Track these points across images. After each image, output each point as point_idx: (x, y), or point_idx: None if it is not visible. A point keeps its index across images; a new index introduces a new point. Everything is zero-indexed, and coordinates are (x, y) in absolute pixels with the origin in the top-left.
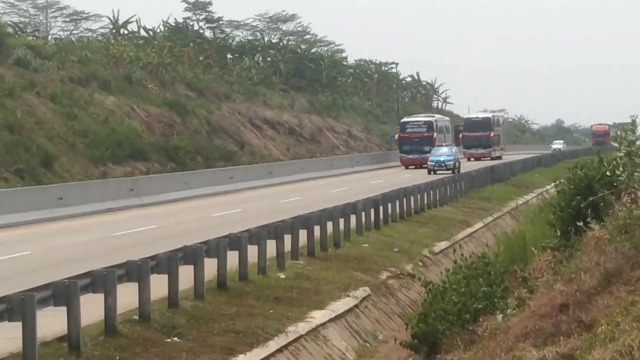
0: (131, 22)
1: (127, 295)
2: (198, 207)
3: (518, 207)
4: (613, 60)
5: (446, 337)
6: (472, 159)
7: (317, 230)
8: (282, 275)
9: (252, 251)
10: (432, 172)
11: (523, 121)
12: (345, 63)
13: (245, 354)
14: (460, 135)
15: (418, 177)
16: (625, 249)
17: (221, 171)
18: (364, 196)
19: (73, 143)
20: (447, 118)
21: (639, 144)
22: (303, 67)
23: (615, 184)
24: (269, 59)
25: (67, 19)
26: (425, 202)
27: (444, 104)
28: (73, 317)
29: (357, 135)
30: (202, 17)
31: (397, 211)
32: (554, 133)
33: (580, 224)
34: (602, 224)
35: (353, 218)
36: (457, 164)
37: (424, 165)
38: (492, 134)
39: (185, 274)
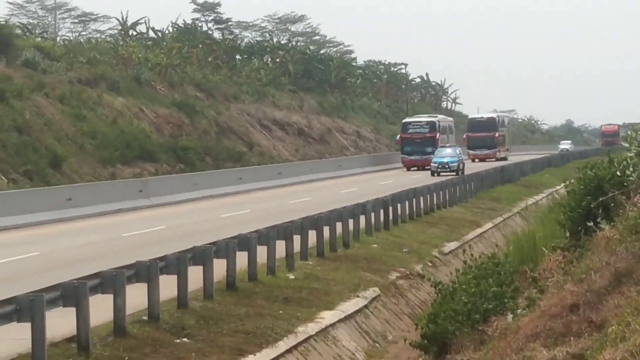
0: (140, 24)
1: (136, 296)
2: (207, 208)
3: (528, 208)
4: (622, 61)
5: (456, 338)
6: (477, 160)
7: (326, 230)
8: (292, 276)
9: (262, 252)
10: (435, 174)
11: (533, 122)
12: (354, 64)
13: (254, 355)
14: (465, 136)
15: (428, 176)
16: (636, 248)
17: (230, 172)
18: (373, 197)
19: (82, 144)
20: (450, 118)
21: None
22: (312, 67)
23: (625, 184)
24: (277, 60)
25: (76, 21)
26: (435, 202)
27: (453, 105)
28: (82, 317)
29: (366, 136)
30: (210, 18)
31: (407, 212)
32: (563, 133)
33: (591, 224)
34: (612, 224)
35: (362, 218)
36: (461, 165)
37: (426, 167)
38: (497, 135)
39: (195, 275)
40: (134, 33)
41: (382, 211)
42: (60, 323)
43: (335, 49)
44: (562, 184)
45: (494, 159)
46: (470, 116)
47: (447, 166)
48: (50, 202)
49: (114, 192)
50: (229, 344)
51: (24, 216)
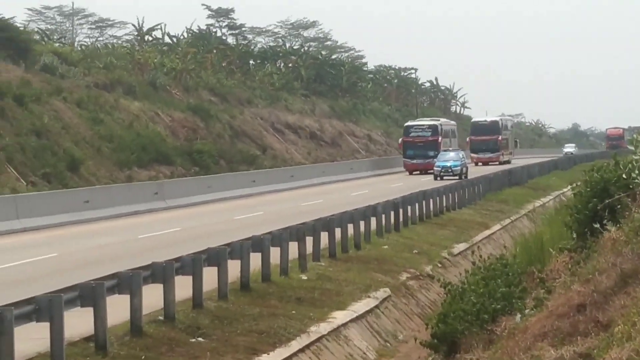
0: (156, 29)
1: (152, 296)
2: (221, 210)
3: (535, 210)
4: (628, 65)
5: (465, 337)
6: (480, 164)
7: (338, 232)
8: (304, 277)
9: (275, 253)
10: (438, 178)
11: (540, 125)
12: (365, 69)
13: (268, 354)
14: (468, 139)
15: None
16: None
17: (244, 175)
18: (384, 199)
19: (99, 147)
20: (452, 122)
21: None
22: (324, 72)
23: (631, 186)
24: (290, 65)
25: (93, 26)
26: (444, 204)
27: (462, 109)
28: (99, 317)
29: (377, 139)
30: (224, 24)
31: (417, 213)
32: (570, 137)
33: (597, 225)
34: (618, 225)
35: (373, 220)
36: (464, 169)
37: (429, 171)
38: (500, 138)
39: (209, 276)
40: (150, 38)
41: (392, 213)
42: (78, 323)
43: (346, 54)
44: (569, 187)
45: (497, 162)
46: (473, 119)
47: (450, 170)
48: (68, 205)
49: (130, 195)
50: (243, 344)
51: (43, 218)
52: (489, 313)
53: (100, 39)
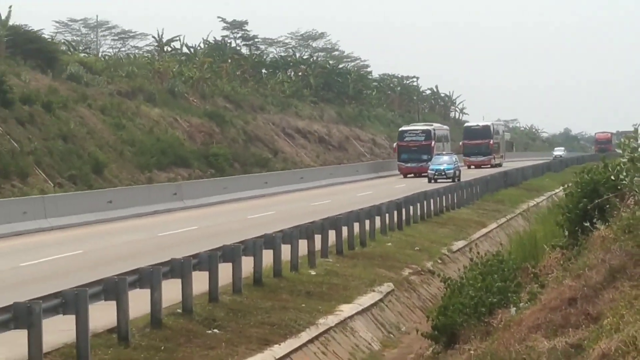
0: (175, 40)
1: (171, 291)
2: (235, 210)
3: (529, 209)
4: (616, 74)
5: (464, 329)
6: (473, 167)
7: (345, 230)
8: (313, 272)
9: (286, 250)
10: (432, 181)
11: (534, 130)
12: (370, 77)
13: (279, 345)
14: (461, 143)
15: (438, 181)
16: (629, 247)
17: (256, 176)
18: (388, 199)
19: (121, 151)
20: (445, 127)
21: None
22: (331, 80)
23: (619, 187)
24: (300, 74)
25: (116, 38)
26: (444, 204)
27: (460, 115)
28: (122, 310)
29: (381, 143)
30: (239, 35)
31: (418, 213)
32: (561, 141)
33: (587, 224)
34: (607, 224)
35: (378, 219)
36: (457, 172)
37: (423, 174)
38: (491, 142)
39: (225, 271)
40: (169, 49)
41: (395, 212)
42: (102, 315)
43: (352, 64)
44: (561, 188)
45: (489, 166)
46: (465, 124)
47: (443, 173)
48: (92, 205)
49: (151, 195)
50: (256, 335)
51: (69, 217)
52: (486, 306)
53: (123, 49)
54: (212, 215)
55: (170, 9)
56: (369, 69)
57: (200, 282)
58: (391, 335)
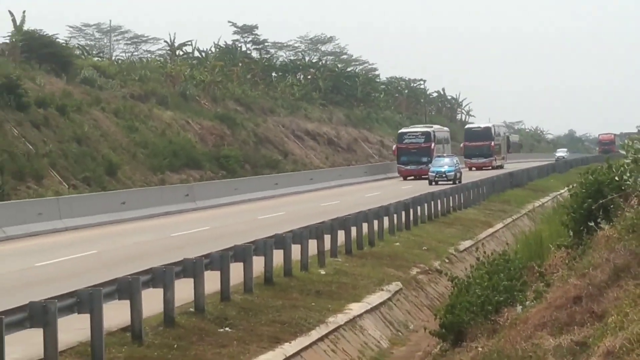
0: (186, 45)
1: (183, 290)
2: (246, 210)
3: (535, 209)
4: (619, 76)
5: (471, 327)
6: (474, 169)
7: (353, 230)
8: (323, 272)
9: (296, 250)
10: (433, 183)
11: (539, 131)
12: (378, 80)
13: (290, 343)
14: (462, 145)
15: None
16: (633, 246)
17: (267, 178)
18: (396, 200)
19: (134, 153)
20: (446, 128)
21: None
22: (340, 84)
23: (623, 187)
24: (309, 77)
25: (129, 42)
26: (451, 204)
27: (467, 117)
28: (136, 309)
29: (389, 145)
30: (249, 39)
31: (426, 213)
32: (566, 142)
33: (592, 224)
34: (611, 224)
35: (386, 219)
36: (458, 174)
37: (423, 176)
38: (492, 144)
39: (236, 271)
40: (181, 53)
41: (403, 213)
42: (116, 314)
43: (361, 67)
44: (566, 188)
45: (490, 167)
46: (466, 126)
47: (444, 175)
48: (106, 206)
49: (163, 197)
50: (267, 333)
51: (83, 218)
52: (492, 305)
53: (135, 53)
54: (223, 216)
55: (182, 14)
56: (376, 72)
57: (212, 281)
58: (399, 333)
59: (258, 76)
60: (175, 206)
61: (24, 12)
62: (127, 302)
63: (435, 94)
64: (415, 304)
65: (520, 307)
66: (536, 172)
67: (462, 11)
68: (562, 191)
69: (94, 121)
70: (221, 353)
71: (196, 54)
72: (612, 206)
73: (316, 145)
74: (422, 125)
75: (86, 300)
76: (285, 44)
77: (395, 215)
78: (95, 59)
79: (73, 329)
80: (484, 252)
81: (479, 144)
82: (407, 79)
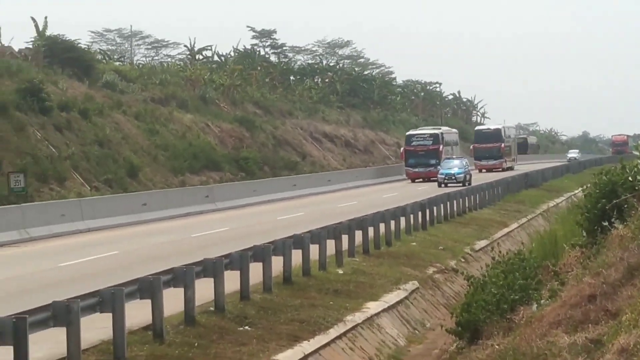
0: (206, 49)
1: (204, 290)
2: (265, 211)
3: (549, 209)
4: (633, 78)
5: (487, 325)
6: (484, 170)
7: (371, 230)
8: (341, 271)
9: (314, 250)
10: (442, 185)
11: (553, 133)
12: (394, 83)
13: (308, 341)
14: (471, 147)
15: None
16: None
17: (285, 179)
18: (412, 200)
19: (155, 155)
20: (454, 130)
21: None
22: (357, 87)
23: (636, 187)
24: (327, 80)
25: (149, 47)
26: (467, 205)
27: (482, 119)
28: (157, 308)
29: None
30: (267, 43)
31: (442, 213)
32: (580, 143)
33: (606, 223)
34: (625, 223)
35: (403, 220)
36: (467, 176)
37: (432, 178)
38: (502, 145)
39: (255, 270)
40: (200, 57)
41: (420, 213)
42: (137, 313)
43: (377, 70)
44: (580, 188)
45: (500, 169)
46: (476, 127)
47: (454, 177)
48: (127, 207)
49: (184, 198)
50: (286, 331)
51: (105, 219)
52: (508, 303)
53: (156, 58)
54: (242, 216)
55: (202, 19)
56: (393, 76)
57: (232, 281)
58: (416, 332)
59: (276, 80)
60: (195, 207)
61: (45, 17)
62: (149, 301)
63: (451, 97)
64: (432, 302)
65: (536, 305)
66: (550, 172)
67: (478, 16)
68: (576, 191)
69: (116, 124)
70: (241, 351)
71: (216, 58)
72: (625, 206)
73: (334, 147)
74: (430, 127)
75: (108, 300)
76: (303, 48)
77: (411, 216)
78: (117, 63)
79: (95, 328)
80: (500, 252)
81: (489, 146)
82: (423, 82)
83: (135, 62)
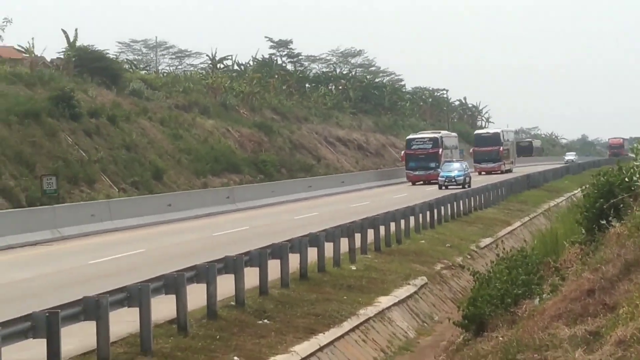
0: (227, 59)
1: (225, 285)
2: (282, 211)
3: (550, 209)
4: (627, 83)
5: (491, 318)
6: (483, 173)
7: (382, 229)
8: (354, 267)
9: (329, 247)
10: (443, 187)
11: (554, 136)
12: (404, 90)
13: (323, 333)
14: (471, 150)
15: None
16: None
17: (301, 181)
18: (421, 200)
19: (179, 159)
20: (454, 134)
21: None
22: (369, 94)
23: (633, 188)
24: (340, 88)
25: (173, 56)
26: (472, 205)
27: (486, 123)
28: (181, 303)
29: None
30: (284, 53)
31: (449, 213)
32: (579, 146)
33: (604, 222)
34: (622, 222)
35: (412, 219)
36: (467, 179)
37: (432, 181)
38: (501, 149)
39: (273, 267)
40: (221, 66)
41: (428, 212)
42: (162, 308)
43: (388, 78)
44: (579, 189)
45: (499, 172)
46: (476, 132)
47: (454, 180)
48: (153, 208)
49: (206, 199)
50: (303, 324)
51: (132, 219)
52: (511, 297)
53: (179, 67)
54: (261, 216)
55: (223, 31)
56: (402, 83)
57: (251, 277)
58: (425, 324)
59: (293, 87)
60: (217, 207)
61: (76, 29)
62: (173, 296)
63: (457, 102)
64: (440, 297)
65: (538, 299)
66: (551, 174)
67: (483, 28)
68: (576, 192)
69: (142, 130)
70: (260, 343)
71: (236, 67)
72: (622, 205)
73: (347, 151)
74: (430, 131)
75: (135, 295)
76: (317, 57)
77: (420, 215)
78: (143, 72)
79: (123, 322)
80: (504, 249)
81: (488, 149)
82: (430, 88)
83: (160, 71)
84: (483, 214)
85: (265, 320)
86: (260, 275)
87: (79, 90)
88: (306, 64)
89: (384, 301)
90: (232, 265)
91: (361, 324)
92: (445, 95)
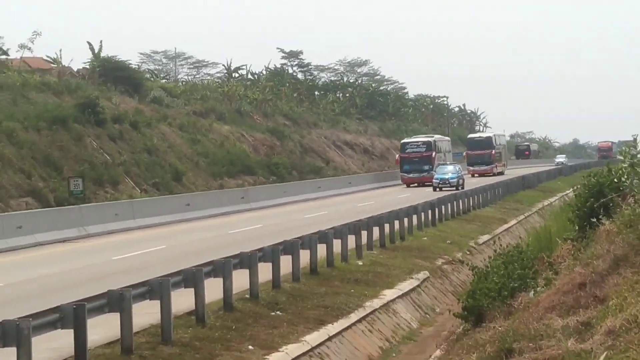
0: (241, 68)
1: (240, 280)
2: (294, 210)
3: (544, 208)
4: (617, 88)
5: (489, 310)
6: (476, 175)
7: (387, 227)
8: (360, 263)
9: (337, 244)
10: (437, 189)
11: (547, 140)
12: (406, 97)
13: (332, 324)
14: (464, 153)
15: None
16: (631, 239)
17: (311, 182)
18: (423, 200)
19: (197, 162)
20: (447, 138)
21: None
22: (374, 100)
23: (621, 188)
24: (347, 95)
25: (191, 66)
26: (471, 204)
27: (484, 128)
28: (199, 296)
29: None
30: (295, 63)
31: (449, 212)
32: (571, 150)
33: (594, 220)
34: (611, 220)
35: (415, 217)
36: (460, 181)
37: (426, 183)
38: (493, 152)
39: (285, 262)
40: (236, 75)
41: (430, 211)
42: (182, 300)
43: (392, 86)
44: (571, 189)
45: (491, 174)
46: (469, 135)
47: (447, 182)
48: (173, 207)
49: (222, 199)
50: (313, 316)
51: (153, 218)
52: (508, 290)
53: (197, 76)
54: (273, 215)
55: (237, 42)
56: (405, 90)
57: (265, 272)
58: (427, 316)
59: (303, 95)
60: (232, 207)
61: (101, 41)
62: (192, 289)
63: (456, 109)
64: (441, 290)
65: (532, 292)
66: (545, 175)
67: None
68: (568, 192)
69: (162, 135)
70: (273, 333)
71: (249, 76)
72: (611, 204)
73: (353, 154)
74: (423, 135)
75: (156, 289)
76: (326, 67)
77: (422, 214)
78: (163, 81)
79: (145, 313)
80: (500, 245)
81: (480, 153)
82: (432, 95)
83: (179, 80)
84: (481, 212)
85: (278, 312)
86: (273, 270)
87: (104, 98)
88: (315, 73)
89: (388, 294)
90: (247, 260)
91: (367, 315)
92: (445, 102)
